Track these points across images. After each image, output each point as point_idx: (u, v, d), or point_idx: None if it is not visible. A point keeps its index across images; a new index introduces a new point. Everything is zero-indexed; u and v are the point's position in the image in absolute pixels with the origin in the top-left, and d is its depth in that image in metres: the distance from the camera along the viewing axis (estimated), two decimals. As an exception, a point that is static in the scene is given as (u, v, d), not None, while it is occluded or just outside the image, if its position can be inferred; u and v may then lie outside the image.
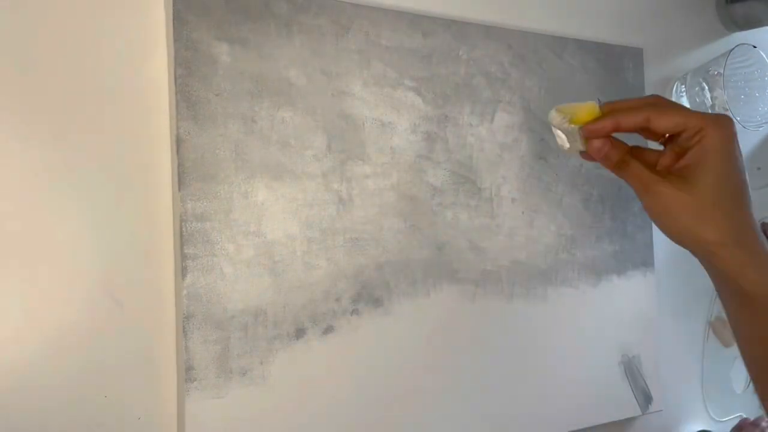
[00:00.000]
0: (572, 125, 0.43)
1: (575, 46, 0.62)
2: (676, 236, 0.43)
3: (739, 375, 0.77)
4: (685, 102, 0.69)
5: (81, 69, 0.42)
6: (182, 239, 0.43)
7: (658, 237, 0.68)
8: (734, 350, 0.76)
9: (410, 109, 0.53)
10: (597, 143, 0.43)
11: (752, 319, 0.42)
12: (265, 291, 0.46)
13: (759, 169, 0.79)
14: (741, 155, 0.43)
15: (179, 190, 0.43)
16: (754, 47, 0.66)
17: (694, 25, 0.74)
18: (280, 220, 0.47)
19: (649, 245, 0.67)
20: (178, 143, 0.43)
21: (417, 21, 0.53)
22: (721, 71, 0.64)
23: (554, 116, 0.44)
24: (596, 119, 0.44)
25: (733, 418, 0.77)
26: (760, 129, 0.68)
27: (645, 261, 0.66)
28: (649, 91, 0.68)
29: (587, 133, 0.43)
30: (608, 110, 0.44)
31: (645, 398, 0.65)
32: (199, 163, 0.44)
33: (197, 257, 0.43)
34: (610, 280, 0.63)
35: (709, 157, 0.42)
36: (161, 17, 0.45)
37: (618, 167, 0.44)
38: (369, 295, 0.50)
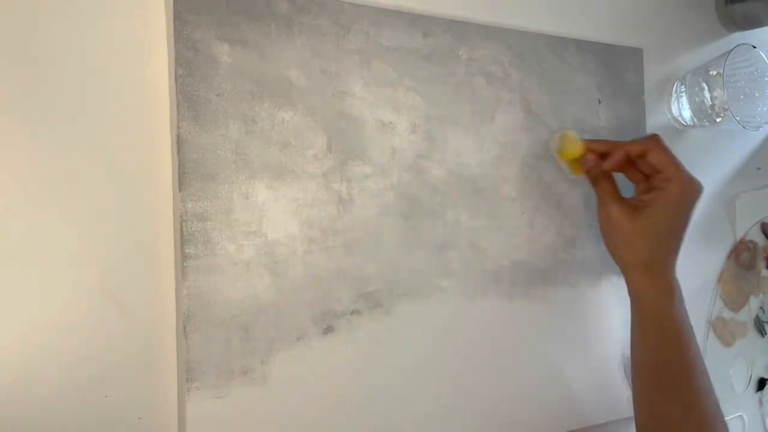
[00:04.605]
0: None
1: (575, 46, 0.62)
2: (607, 248, 0.56)
3: (739, 375, 0.77)
4: (684, 102, 0.69)
5: (81, 69, 0.42)
6: (183, 239, 0.43)
7: (658, 237, 0.68)
8: (735, 350, 0.77)
9: (410, 109, 0.53)
10: (590, 156, 0.56)
11: (640, 326, 0.54)
12: (265, 291, 0.46)
13: (759, 169, 0.79)
14: (689, 216, 0.53)
15: (180, 190, 0.43)
16: (754, 47, 0.66)
17: (694, 25, 0.74)
18: (280, 220, 0.47)
19: (649, 245, 0.67)
20: (179, 143, 0.43)
21: (417, 21, 0.53)
22: (721, 71, 0.64)
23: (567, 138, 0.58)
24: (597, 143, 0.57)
25: (733, 418, 0.77)
26: (760, 129, 0.68)
27: (645, 261, 0.66)
28: (649, 90, 0.68)
29: (592, 146, 0.57)
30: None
31: (645, 398, 0.65)
32: (200, 163, 0.44)
33: (198, 257, 0.43)
34: (610, 280, 0.63)
35: (659, 203, 0.52)
36: (161, 17, 0.45)
37: (595, 178, 0.57)
38: (369, 295, 0.50)
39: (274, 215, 0.46)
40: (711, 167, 0.75)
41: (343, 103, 0.50)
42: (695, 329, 0.73)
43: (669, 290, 0.52)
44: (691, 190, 0.52)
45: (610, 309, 0.63)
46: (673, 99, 0.70)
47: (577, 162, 0.57)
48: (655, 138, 0.54)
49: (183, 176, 0.43)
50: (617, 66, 0.65)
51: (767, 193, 0.79)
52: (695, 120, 0.69)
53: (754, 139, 0.79)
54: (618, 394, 0.63)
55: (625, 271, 0.54)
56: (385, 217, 0.51)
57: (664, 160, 0.52)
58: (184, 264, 0.43)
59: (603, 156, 0.56)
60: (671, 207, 0.52)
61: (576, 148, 0.56)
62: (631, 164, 0.56)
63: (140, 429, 0.43)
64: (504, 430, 0.56)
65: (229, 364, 0.44)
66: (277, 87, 0.47)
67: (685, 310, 0.54)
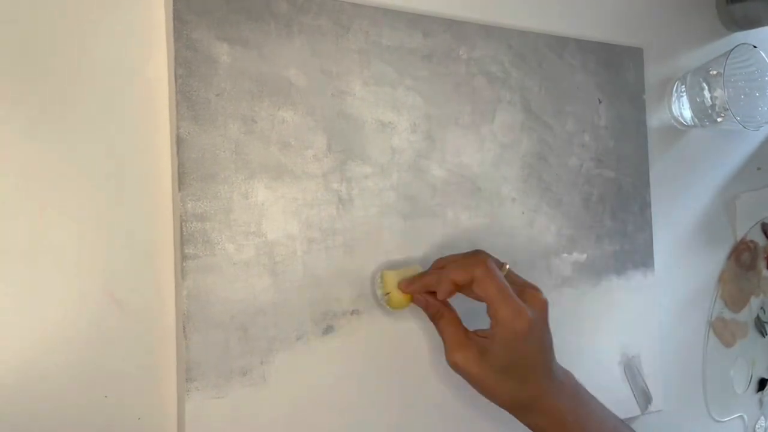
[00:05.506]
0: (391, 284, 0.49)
1: (575, 46, 0.62)
2: (477, 391, 0.49)
3: (739, 375, 0.77)
4: (685, 102, 0.69)
5: (81, 69, 0.42)
6: (182, 239, 0.43)
7: (658, 237, 0.68)
8: (735, 350, 0.77)
9: (410, 109, 0.53)
10: (420, 298, 0.49)
11: None
12: (265, 291, 0.46)
13: (759, 169, 0.79)
14: (537, 342, 0.48)
15: (179, 190, 0.43)
16: (754, 47, 0.66)
17: (694, 25, 0.74)
18: (280, 220, 0.47)
19: (649, 245, 0.67)
20: (179, 143, 0.43)
21: (417, 21, 0.53)
22: (721, 71, 0.64)
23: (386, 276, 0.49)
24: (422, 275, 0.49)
25: (733, 418, 0.77)
26: (761, 129, 0.68)
27: (645, 261, 0.66)
28: (649, 90, 0.68)
29: (411, 288, 0.49)
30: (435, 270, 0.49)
31: (645, 398, 0.65)
32: (200, 163, 0.44)
33: (197, 257, 0.43)
34: (610, 280, 0.63)
35: (497, 342, 0.46)
36: (161, 17, 0.45)
37: (434, 318, 0.49)
38: (369, 294, 0.50)
39: (274, 215, 0.46)
40: (711, 167, 0.75)
41: (343, 103, 0.50)
42: (696, 330, 0.73)
43: (553, 415, 0.48)
44: (520, 327, 0.45)
45: (610, 309, 0.63)
46: (673, 99, 0.70)
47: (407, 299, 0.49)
48: (481, 264, 0.46)
49: (183, 176, 0.43)
50: (617, 66, 0.65)
51: (767, 193, 0.79)
52: (696, 120, 0.69)
53: (754, 139, 0.79)
54: (618, 394, 0.63)
55: (507, 411, 0.49)
56: (385, 217, 0.51)
57: (488, 293, 0.45)
58: (184, 264, 0.43)
59: (432, 292, 0.48)
60: (509, 344, 0.46)
61: (402, 300, 0.49)
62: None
63: (140, 429, 0.43)
64: (504, 430, 0.56)
65: (228, 364, 0.44)
66: (277, 87, 0.47)
67: (587, 409, 0.50)
